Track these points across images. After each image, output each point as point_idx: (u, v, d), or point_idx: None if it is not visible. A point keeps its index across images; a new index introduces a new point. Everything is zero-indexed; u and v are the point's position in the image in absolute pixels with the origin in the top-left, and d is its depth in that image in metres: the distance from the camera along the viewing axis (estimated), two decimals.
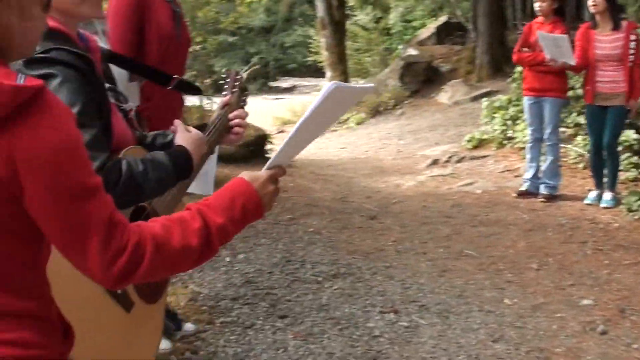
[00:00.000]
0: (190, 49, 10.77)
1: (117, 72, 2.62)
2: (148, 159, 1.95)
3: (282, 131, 14.15)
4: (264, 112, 16.87)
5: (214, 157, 3.48)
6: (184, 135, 2.15)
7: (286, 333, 3.80)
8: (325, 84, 1.70)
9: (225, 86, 2.59)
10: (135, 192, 1.87)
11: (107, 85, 2.12)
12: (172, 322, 3.68)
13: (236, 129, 2.44)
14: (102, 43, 2.94)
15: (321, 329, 3.87)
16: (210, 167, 3.44)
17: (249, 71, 3.06)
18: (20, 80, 1.23)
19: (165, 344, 3.45)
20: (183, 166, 2.06)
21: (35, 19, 1.36)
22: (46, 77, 1.84)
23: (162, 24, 3.38)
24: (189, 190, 3.38)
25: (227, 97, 2.48)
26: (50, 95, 1.28)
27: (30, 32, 1.35)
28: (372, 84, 1.91)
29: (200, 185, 3.41)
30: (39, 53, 1.84)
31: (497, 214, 6.34)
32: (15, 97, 1.21)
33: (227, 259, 4.99)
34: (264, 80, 28.76)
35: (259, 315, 4.02)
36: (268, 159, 6.72)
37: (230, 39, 27.46)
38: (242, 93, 2.65)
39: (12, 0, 1.27)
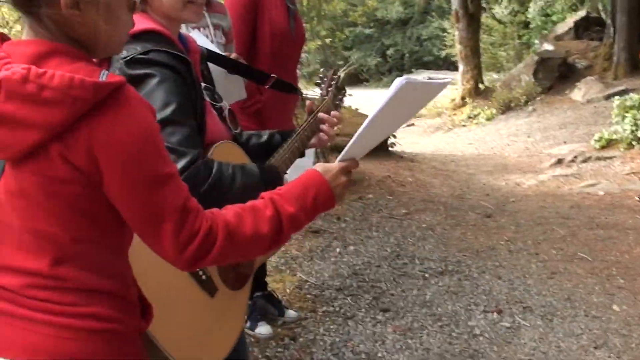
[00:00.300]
0: (320, 42, 10.92)
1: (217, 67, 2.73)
2: (239, 166, 2.00)
3: (411, 124, 14.11)
4: None
5: (310, 155, 3.57)
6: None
7: (386, 326, 3.84)
8: (397, 79, 1.67)
9: (322, 85, 2.57)
10: (219, 194, 1.92)
11: (203, 84, 2.20)
12: (276, 308, 3.81)
13: (327, 130, 2.40)
14: (214, 36, 3.08)
15: (421, 324, 3.88)
16: (307, 164, 3.54)
17: (346, 70, 3.05)
18: (103, 77, 1.31)
19: (265, 329, 3.59)
20: (271, 182, 2.08)
21: (121, 21, 1.43)
22: (145, 77, 1.92)
23: (275, 21, 3.46)
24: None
25: (309, 103, 2.45)
26: (130, 91, 1.34)
27: (115, 33, 1.43)
28: (447, 80, 1.85)
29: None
30: (139, 54, 1.94)
31: (616, 217, 6.09)
32: (96, 92, 1.28)
33: (338, 250, 5.09)
34: (398, 72, 28.66)
35: (361, 307, 4.08)
36: (390, 152, 6.82)
37: (367, 31, 27.54)
38: (339, 93, 2.63)
39: (100, 6, 1.35)
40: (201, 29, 3.04)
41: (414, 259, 4.97)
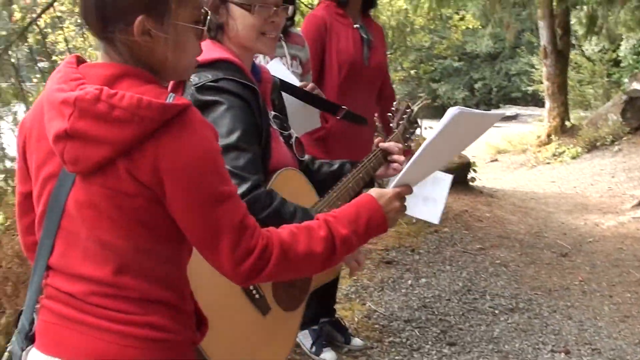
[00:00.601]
0: (406, 74, 10.97)
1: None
2: (301, 208, 2.03)
3: (495, 160, 13.96)
4: (480, 139, 16.74)
5: (446, 186, 3.58)
6: None
7: None
8: (450, 109, 1.74)
9: (393, 117, 2.59)
10: (276, 226, 2.03)
11: (273, 113, 2.30)
12: (342, 335, 3.89)
13: (394, 164, 2.41)
14: (290, 66, 3.18)
15: None
16: (440, 196, 3.55)
17: (420, 105, 3.02)
18: (170, 99, 1.38)
19: (330, 355, 3.67)
20: None
21: (188, 49, 1.52)
22: (214, 104, 2.03)
23: (343, 51, 3.56)
24: (417, 215, 3.58)
25: (378, 139, 2.46)
26: (194, 113, 1.41)
27: (183, 59, 1.51)
28: (502, 112, 1.90)
29: (428, 211, 3.55)
30: (210, 81, 2.04)
31: None
32: (162, 113, 1.35)
33: (409, 282, 5.14)
34: (486, 107, 28.36)
35: (428, 340, 4.11)
36: (470, 187, 6.81)
37: (455, 64, 27.42)
38: (411, 126, 2.64)
39: (169, 34, 1.43)
40: (280, 58, 3.12)
41: (485, 294, 4.96)
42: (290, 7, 3.00)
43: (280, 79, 2.57)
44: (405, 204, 3.23)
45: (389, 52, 8.76)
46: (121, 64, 1.45)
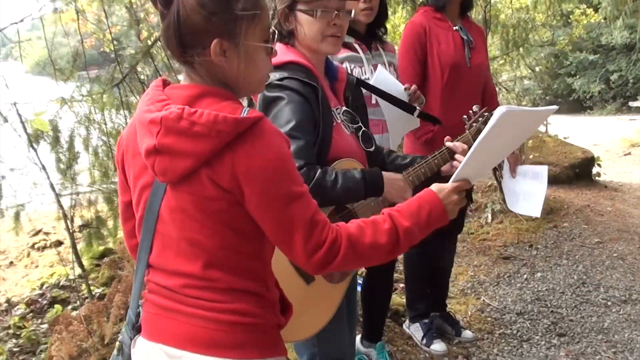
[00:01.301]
0: (529, 71, 10.89)
1: (399, 95, 3.04)
2: (343, 172, 2.24)
3: (628, 154, 13.57)
4: (614, 132, 16.13)
5: (543, 179, 3.79)
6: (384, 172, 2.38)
7: (559, 350, 4.08)
8: (498, 108, 1.82)
9: (469, 119, 2.67)
10: (323, 194, 2.14)
11: (344, 108, 2.51)
12: (453, 328, 4.19)
13: (455, 162, 2.44)
14: (388, 72, 3.30)
15: (595, 350, 4.08)
16: (539, 189, 3.78)
17: None
18: (244, 113, 1.50)
19: (440, 346, 3.98)
20: (373, 185, 2.30)
21: (259, 65, 1.64)
22: (277, 99, 2.26)
23: (444, 54, 3.65)
24: (518, 211, 3.79)
25: (447, 138, 2.51)
26: (266, 124, 1.53)
27: (255, 75, 1.65)
28: (554, 106, 2.03)
29: (528, 206, 3.80)
30: (276, 80, 2.27)
31: None
32: (236, 126, 1.48)
33: (525, 276, 5.35)
34: (622, 99, 27.07)
35: (538, 331, 4.34)
36: (594, 181, 6.87)
37: (591, 57, 26.45)
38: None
39: (241, 53, 1.58)
40: (381, 65, 3.27)
41: (599, 287, 5.09)
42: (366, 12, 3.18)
43: (357, 78, 2.79)
44: (507, 203, 3.40)
45: (510, 51, 8.83)
46: (201, 85, 1.60)
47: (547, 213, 6.79)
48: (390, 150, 2.75)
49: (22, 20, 5.22)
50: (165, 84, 1.67)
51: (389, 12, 3.93)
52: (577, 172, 8.39)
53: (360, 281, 3.72)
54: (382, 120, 3.22)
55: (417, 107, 2.98)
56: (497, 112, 1.77)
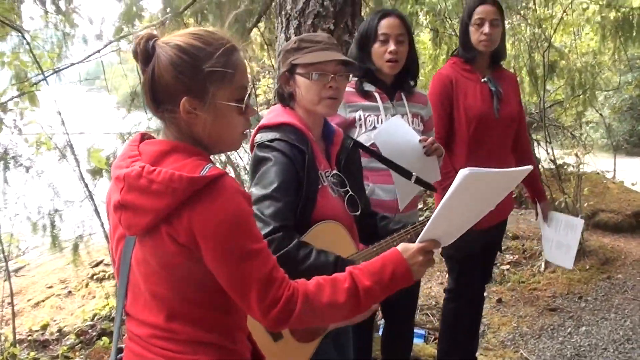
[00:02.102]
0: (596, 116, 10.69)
1: (414, 147, 3.05)
2: (318, 251, 2.26)
3: None
4: None
5: (578, 231, 3.76)
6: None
7: None
8: (461, 170, 1.78)
9: None
10: (289, 267, 2.08)
11: (334, 172, 2.55)
12: None
13: None
14: (411, 123, 3.31)
15: None
16: (573, 241, 3.77)
17: None
18: (204, 171, 1.56)
19: None
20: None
21: (231, 124, 1.68)
22: (265, 159, 2.37)
23: (471, 106, 3.63)
24: (551, 260, 3.75)
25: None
26: (226, 182, 1.57)
27: (226, 133, 1.69)
28: (529, 167, 1.92)
29: (560, 256, 3.80)
30: (267, 140, 2.40)
31: None
32: (191, 185, 1.53)
33: (569, 330, 5.23)
34: None
35: None
36: None
37: None
38: None
39: (211, 111, 1.63)
40: (402, 116, 3.26)
41: None
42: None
43: (356, 140, 2.82)
44: (544, 249, 3.27)
45: (578, 94, 8.71)
46: (171, 141, 1.67)
47: (602, 263, 6.63)
48: (384, 215, 2.78)
49: (88, 59, 5.54)
50: (144, 138, 1.73)
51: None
52: (639, 220, 8.11)
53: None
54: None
55: (413, 174, 2.95)
56: (460, 174, 1.75)
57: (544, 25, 7.36)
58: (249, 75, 1.79)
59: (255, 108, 1.78)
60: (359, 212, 2.59)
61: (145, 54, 1.65)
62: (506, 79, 3.85)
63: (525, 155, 3.91)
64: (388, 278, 1.77)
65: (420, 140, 3.13)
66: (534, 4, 7.86)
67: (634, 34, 7.95)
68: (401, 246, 1.85)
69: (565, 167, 8.34)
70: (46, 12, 5.74)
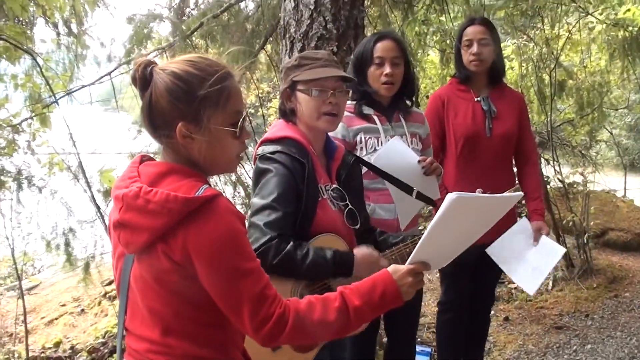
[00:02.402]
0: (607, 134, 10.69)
1: (413, 168, 3.13)
2: (316, 249, 2.34)
3: None
4: None
5: (555, 259, 3.78)
6: (361, 250, 2.49)
7: None
8: (448, 195, 1.82)
9: None
10: (290, 267, 2.27)
11: (334, 186, 2.63)
12: None
13: None
14: (410, 143, 3.37)
15: None
16: (547, 267, 3.77)
17: (505, 193, 2.99)
18: (200, 192, 1.61)
19: None
20: (342, 266, 2.39)
21: (226, 147, 1.74)
22: (266, 170, 2.44)
23: (460, 126, 3.73)
24: (516, 280, 3.80)
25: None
26: (220, 202, 1.63)
27: (222, 156, 1.75)
28: (519, 193, 1.91)
29: (528, 279, 3.80)
30: (269, 152, 2.47)
31: None
32: (186, 205, 1.59)
33: (575, 348, 5.24)
34: None
35: None
36: None
37: None
38: None
39: (206, 136, 1.69)
40: (401, 136, 3.32)
41: None
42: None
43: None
44: (513, 267, 3.33)
45: (587, 112, 8.73)
46: (169, 163, 1.74)
47: (609, 282, 6.64)
48: (382, 230, 2.84)
49: (99, 81, 5.68)
50: (143, 160, 1.80)
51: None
52: None
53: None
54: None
55: (414, 189, 3.01)
56: (448, 198, 1.78)
57: (551, 45, 7.40)
58: (244, 101, 1.87)
59: (250, 131, 1.87)
60: (359, 226, 2.65)
61: (143, 80, 1.72)
62: (507, 98, 3.88)
63: (531, 174, 3.94)
64: (378, 298, 1.82)
65: (419, 161, 3.20)
66: (542, 23, 7.93)
67: None
68: (391, 267, 1.90)
69: (575, 185, 8.37)
70: (58, 34, 5.90)
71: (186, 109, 1.67)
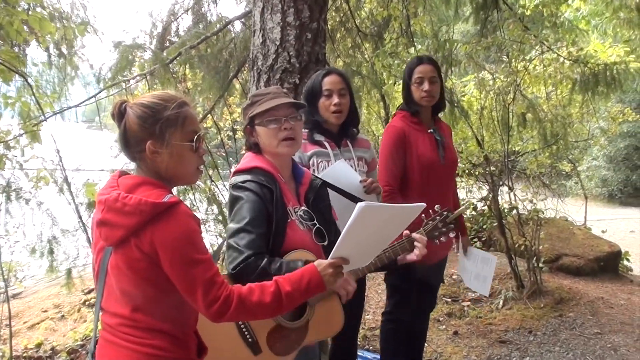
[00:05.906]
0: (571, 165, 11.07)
1: (355, 187, 3.49)
2: (287, 262, 2.54)
3: None
4: None
5: (492, 265, 4.21)
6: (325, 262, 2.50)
7: None
8: (358, 204, 2.10)
9: (427, 218, 3.03)
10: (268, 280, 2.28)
11: (303, 208, 2.84)
12: None
13: (416, 251, 2.81)
14: (357, 166, 3.78)
15: None
16: (488, 273, 4.22)
17: (460, 212, 3.35)
18: (165, 199, 1.95)
19: None
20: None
21: (186, 160, 2.10)
22: (238, 198, 2.66)
23: (421, 155, 4.02)
24: (472, 287, 4.25)
25: (406, 232, 2.83)
26: (180, 207, 1.97)
27: (182, 168, 2.11)
28: (422, 204, 2.34)
29: (479, 285, 4.28)
30: (240, 181, 2.69)
31: None
32: (154, 208, 1.95)
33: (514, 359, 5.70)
34: None
35: None
36: (619, 275, 7.07)
37: None
38: (445, 226, 3.06)
39: (168, 151, 2.06)
40: (348, 160, 3.73)
41: None
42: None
43: (325, 180, 3.17)
44: (463, 278, 3.75)
45: (551, 143, 9.16)
46: (141, 176, 2.10)
47: (556, 302, 7.06)
48: None
49: (84, 103, 6.12)
50: (122, 174, 2.16)
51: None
52: (602, 265, 8.55)
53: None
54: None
55: (362, 199, 3.24)
56: (358, 207, 2.09)
57: (511, 78, 7.83)
58: (199, 124, 2.29)
59: (206, 148, 2.27)
60: (327, 242, 2.86)
61: (119, 115, 2.13)
62: (445, 129, 4.32)
63: (454, 196, 4.39)
64: (305, 285, 2.20)
65: (360, 181, 3.62)
66: (507, 56, 8.37)
67: (600, 88, 8.44)
68: (317, 261, 2.29)
69: (542, 213, 8.73)
70: (49, 55, 6.33)
71: (152, 129, 2.05)
